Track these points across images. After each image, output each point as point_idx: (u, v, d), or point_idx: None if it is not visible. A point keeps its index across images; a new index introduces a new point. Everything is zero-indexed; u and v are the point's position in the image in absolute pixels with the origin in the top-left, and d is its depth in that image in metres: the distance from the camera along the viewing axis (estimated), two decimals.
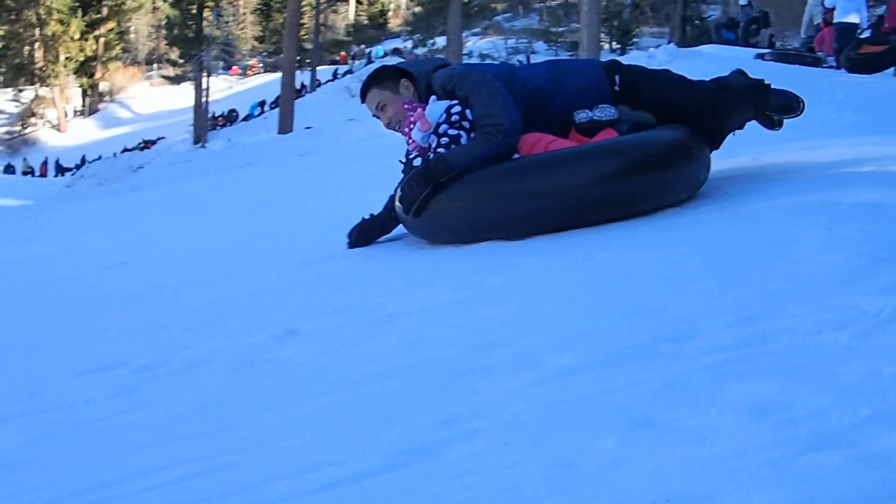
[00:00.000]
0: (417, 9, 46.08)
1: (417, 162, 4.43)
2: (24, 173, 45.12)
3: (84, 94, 67.57)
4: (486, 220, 4.27)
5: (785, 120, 4.90)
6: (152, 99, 67.37)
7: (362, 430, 2.34)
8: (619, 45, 42.81)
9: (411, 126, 4.47)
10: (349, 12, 75.85)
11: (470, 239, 4.34)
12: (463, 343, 2.92)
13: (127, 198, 14.59)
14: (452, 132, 4.38)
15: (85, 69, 64.89)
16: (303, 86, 47.85)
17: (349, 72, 51.95)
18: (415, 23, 45.80)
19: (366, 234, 4.95)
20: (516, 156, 4.41)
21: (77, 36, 61.29)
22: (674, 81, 4.70)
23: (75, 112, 67.22)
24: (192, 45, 47.08)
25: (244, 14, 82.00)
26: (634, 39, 43.54)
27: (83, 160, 40.69)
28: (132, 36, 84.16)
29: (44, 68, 61.78)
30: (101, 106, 67.79)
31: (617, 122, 4.52)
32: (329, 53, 61.96)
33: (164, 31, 60.54)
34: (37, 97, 67.09)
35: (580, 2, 20.16)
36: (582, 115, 4.49)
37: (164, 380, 3.17)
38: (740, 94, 4.73)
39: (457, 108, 4.41)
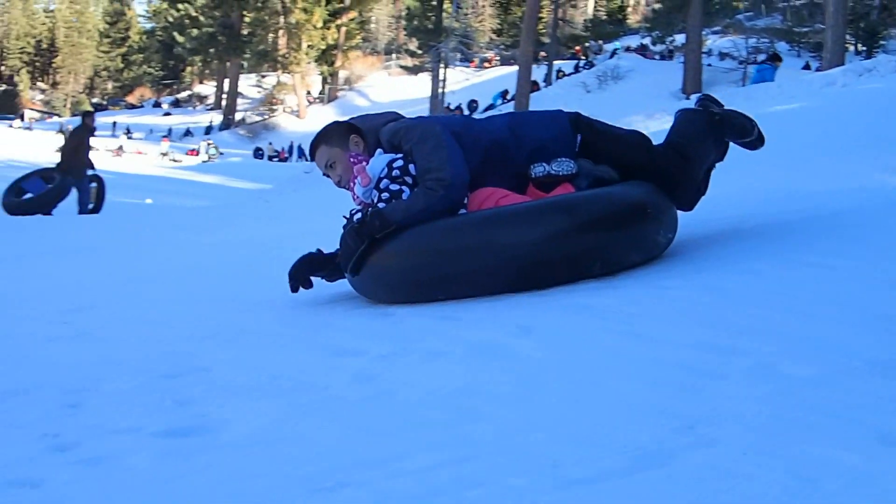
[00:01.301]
0: (657, 5, 45.56)
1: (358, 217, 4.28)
2: (271, 157, 46.82)
3: (324, 81, 69.76)
4: (424, 277, 4.12)
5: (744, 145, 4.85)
6: (389, 88, 68.85)
7: (599, 429, 2.34)
8: (864, 48, 41.14)
9: (354, 181, 4.35)
10: (588, 7, 75.63)
11: (408, 297, 4.22)
12: (702, 347, 2.90)
13: None
14: (394, 187, 4.24)
15: (326, 57, 66.93)
16: (544, 79, 47.97)
17: (590, 64, 51.78)
18: (654, 19, 45.37)
19: (303, 271, 4.70)
20: (463, 211, 4.25)
21: (320, 24, 63.17)
22: (635, 145, 4.51)
23: (314, 99, 69.42)
24: (430, 36, 47.94)
25: (483, 6, 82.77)
26: (881, 42, 41.73)
27: None
28: (372, 26, 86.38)
29: (286, 55, 63.95)
30: (339, 93, 69.82)
31: (576, 177, 4.32)
32: (566, 48, 61.93)
33: (403, 22, 61.91)
34: (279, 83, 69.72)
35: (825, 2, 19.46)
36: (538, 169, 4.32)
37: (403, 369, 3.25)
38: (699, 151, 4.58)
39: (399, 163, 4.28)
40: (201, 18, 64.82)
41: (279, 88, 70.19)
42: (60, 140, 36.88)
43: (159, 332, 4.46)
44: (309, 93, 70.36)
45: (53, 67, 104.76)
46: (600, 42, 60.13)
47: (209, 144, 50.12)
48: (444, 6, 49.84)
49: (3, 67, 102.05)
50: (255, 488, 2.32)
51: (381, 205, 4.19)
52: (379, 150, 4.37)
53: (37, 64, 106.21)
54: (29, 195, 15.90)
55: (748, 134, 4.71)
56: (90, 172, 16.43)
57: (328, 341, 3.77)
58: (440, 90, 43.67)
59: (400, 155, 4.30)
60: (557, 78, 50.20)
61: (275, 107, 68.73)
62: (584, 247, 4.02)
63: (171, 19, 69.30)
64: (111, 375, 3.70)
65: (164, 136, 57.58)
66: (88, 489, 2.51)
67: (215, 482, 2.40)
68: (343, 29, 66.73)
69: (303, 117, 64.49)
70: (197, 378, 3.49)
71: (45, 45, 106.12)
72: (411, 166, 4.24)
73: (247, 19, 64.73)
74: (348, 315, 4.28)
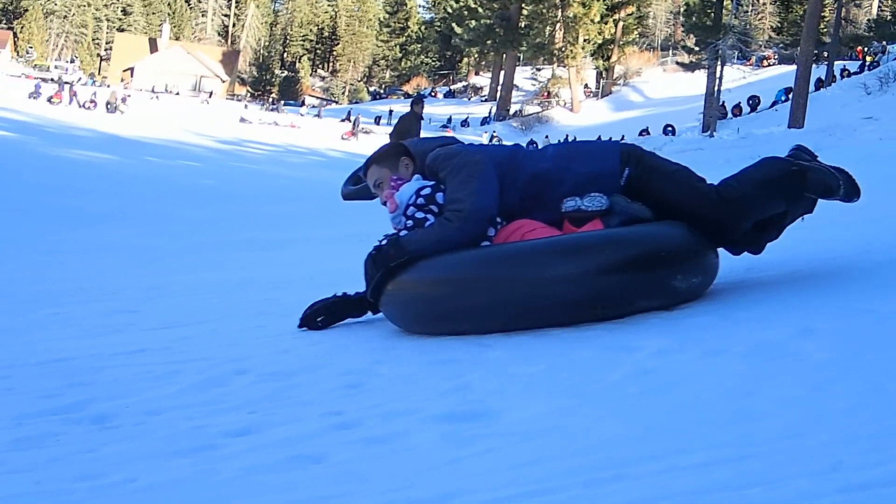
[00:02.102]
0: None
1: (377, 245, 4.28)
2: None
3: (598, 75, 69.69)
4: (430, 309, 4.10)
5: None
6: (664, 85, 68.08)
7: (884, 434, 2.27)
8: None
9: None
10: (872, 7, 72.36)
11: (419, 329, 4.19)
12: None
13: None
14: (419, 215, 4.20)
15: (601, 51, 66.87)
16: (820, 80, 46.31)
17: (876, 64, 49.57)
18: None
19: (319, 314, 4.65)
20: (486, 243, 4.18)
21: (597, 18, 63.09)
22: (679, 183, 4.29)
23: (589, 93, 69.45)
24: (709, 33, 47.02)
25: (763, 4, 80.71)
26: None
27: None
28: (650, 21, 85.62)
29: (563, 49, 64.17)
30: (614, 88, 69.59)
31: (608, 214, 4.15)
32: (847, 48, 59.50)
33: (682, 18, 61.02)
34: (553, 76, 70.07)
35: None
36: (570, 203, 4.19)
37: (681, 365, 3.22)
38: (754, 199, 4.26)
39: (426, 190, 4.24)
40: (480, 10, 65.95)
41: (554, 82, 70.57)
42: (346, 127, 38.20)
43: None
44: (587, 86, 70.42)
45: (333, 55, 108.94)
46: (884, 43, 57.37)
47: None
48: (724, 3, 48.75)
49: (286, 55, 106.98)
50: (531, 476, 2.33)
51: (404, 232, 4.19)
52: (417, 176, 4.36)
53: (318, 52, 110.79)
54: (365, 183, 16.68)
55: (833, 193, 4.31)
56: None
57: (605, 336, 3.77)
58: (716, 87, 42.74)
59: (431, 182, 4.28)
60: (842, 77, 48.26)
61: (549, 100, 69.13)
62: (581, 291, 3.90)
63: (450, 10, 70.88)
64: (388, 359, 3.83)
65: (446, 126, 58.85)
66: (370, 466, 2.59)
67: (493, 467, 2.44)
68: (620, 24, 66.51)
69: (576, 111, 64.64)
70: (472, 364, 3.56)
71: (326, 34, 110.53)
72: (439, 195, 4.23)
73: (525, 12, 65.38)
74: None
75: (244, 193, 18.03)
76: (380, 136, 41.95)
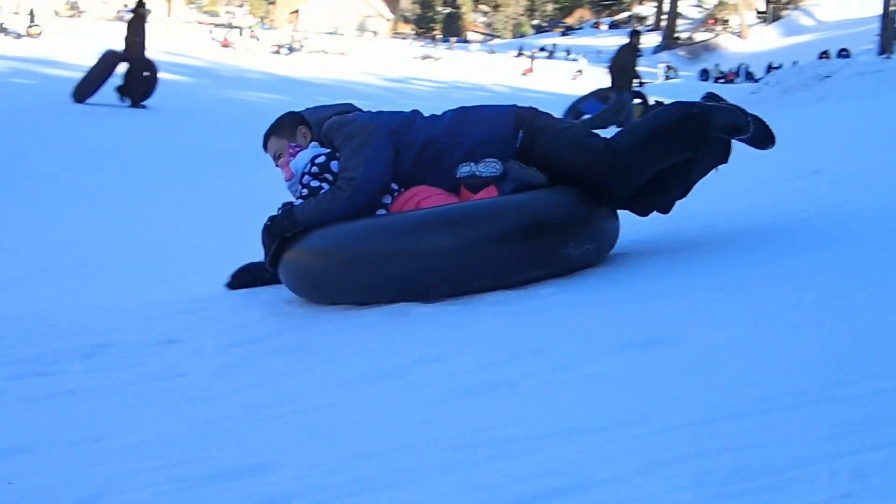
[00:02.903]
0: None
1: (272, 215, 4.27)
2: (717, 79, 46.15)
3: (767, 0, 67.54)
4: (322, 280, 4.08)
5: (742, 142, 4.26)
6: (837, 6, 65.47)
7: None
8: None
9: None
10: None
11: (312, 298, 4.17)
12: None
13: (812, 108, 14.41)
14: (314, 184, 4.18)
15: None
16: None
17: None
18: None
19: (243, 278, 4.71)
20: (382, 212, 4.17)
21: None
22: (567, 139, 4.19)
23: (758, 18, 67.44)
24: None
25: None
26: None
27: (769, 67, 40.71)
28: None
29: None
30: (783, 13, 67.39)
31: (503, 179, 4.09)
32: None
33: None
34: (720, 3, 68.27)
35: None
36: (465, 169, 4.14)
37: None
38: (652, 149, 4.14)
39: (320, 159, 4.22)
40: None
41: (720, 8, 68.73)
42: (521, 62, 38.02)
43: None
44: (760, 11, 68.40)
45: None
46: None
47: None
48: None
49: None
50: (717, 399, 2.37)
51: (298, 201, 4.19)
52: (314, 144, 4.34)
53: None
54: (587, 116, 16.86)
55: (741, 131, 4.20)
56: (635, 89, 17.13)
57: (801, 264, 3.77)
58: (891, 8, 40.95)
59: (326, 151, 4.27)
60: None
61: (715, 27, 67.41)
62: (467, 261, 3.87)
63: None
64: (571, 288, 3.90)
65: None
66: (559, 391, 2.68)
67: (685, 392, 2.49)
68: None
69: (745, 38, 62.82)
70: (657, 294, 3.63)
71: None
72: (334, 163, 4.22)
73: None
74: None
75: None
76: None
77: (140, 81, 18.21)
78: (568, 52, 59.15)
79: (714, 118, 4.16)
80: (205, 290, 4.72)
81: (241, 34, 51.10)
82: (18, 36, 37.71)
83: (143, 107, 18.13)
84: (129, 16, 18.90)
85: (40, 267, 6.43)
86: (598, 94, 17.57)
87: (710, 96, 4.43)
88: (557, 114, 5.41)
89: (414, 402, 2.78)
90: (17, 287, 5.70)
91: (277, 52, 43.72)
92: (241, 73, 29.53)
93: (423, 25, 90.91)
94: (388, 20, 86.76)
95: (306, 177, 4.19)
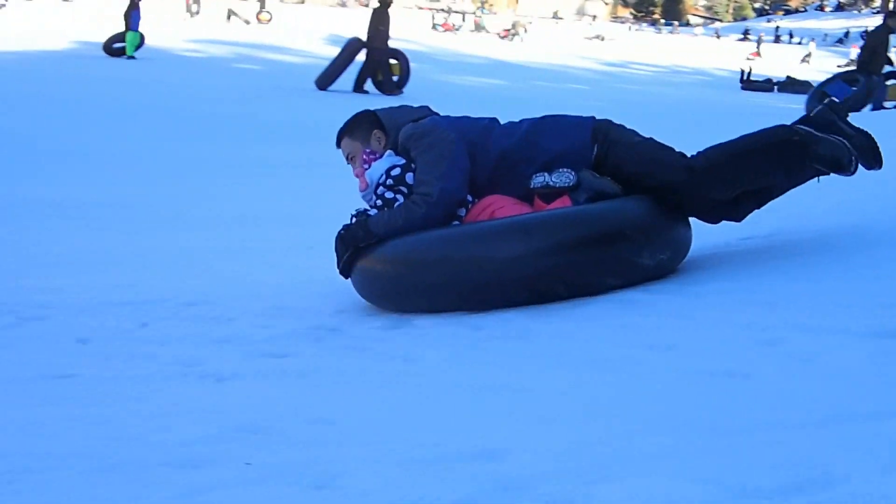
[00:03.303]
0: None
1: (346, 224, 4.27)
2: None
3: None
4: (402, 286, 4.08)
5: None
6: None
7: None
8: None
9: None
10: None
11: (390, 306, 4.18)
12: None
13: None
14: (388, 195, 4.18)
15: None
16: None
17: None
18: None
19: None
20: (456, 223, 4.19)
21: None
22: (642, 155, 4.15)
23: None
24: None
25: None
26: None
27: None
28: None
29: None
30: None
31: (576, 189, 4.09)
32: None
33: None
34: None
35: None
36: (539, 180, 4.14)
37: None
38: (718, 169, 4.06)
39: (396, 171, 4.20)
40: None
41: None
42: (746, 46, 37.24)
43: None
44: None
45: None
46: None
47: None
48: None
49: None
50: None
51: (373, 212, 4.18)
52: (389, 152, 4.31)
53: None
54: (833, 99, 16.55)
55: (843, 168, 3.97)
56: (887, 69, 16.69)
57: None
58: None
59: (402, 161, 4.24)
60: None
61: None
62: (541, 268, 3.88)
63: None
64: (804, 275, 3.81)
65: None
66: (797, 382, 2.62)
67: None
68: None
69: None
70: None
71: None
72: (409, 175, 4.20)
73: None
74: None
75: (629, 113, 18.06)
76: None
77: (386, 70, 18.35)
78: (791, 34, 57.38)
79: (815, 150, 4.01)
80: None
81: (463, 19, 51.78)
82: (247, 22, 39.27)
83: (401, 92, 18.18)
84: (374, 4, 19.08)
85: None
86: (845, 77, 17.11)
87: (830, 109, 4.18)
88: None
89: (646, 389, 2.76)
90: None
91: (506, 37, 44.16)
92: (462, 57, 29.89)
93: (642, 9, 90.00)
94: (607, 4, 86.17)
95: (381, 188, 4.20)
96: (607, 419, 2.52)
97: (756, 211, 4.27)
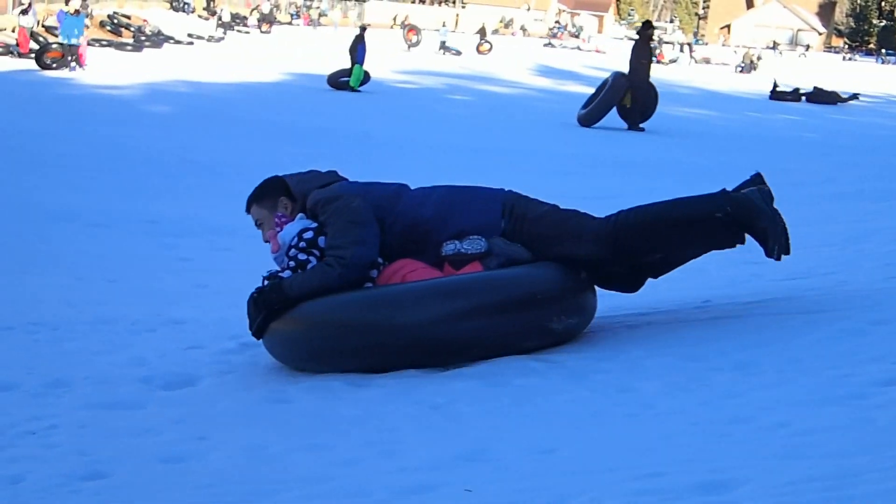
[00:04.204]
0: None
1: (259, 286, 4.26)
2: None
3: None
4: (314, 348, 4.10)
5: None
6: None
7: None
8: None
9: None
10: None
11: (302, 367, 4.17)
12: None
13: None
14: (301, 257, 4.19)
15: None
16: None
17: None
18: None
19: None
20: (368, 284, 4.20)
21: None
22: (550, 226, 4.21)
23: None
24: None
25: None
26: None
27: None
28: None
29: None
30: None
31: (487, 256, 4.13)
32: None
33: None
34: None
35: None
36: (450, 247, 4.19)
37: None
38: (652, 241, 4.17)
39: (308, 234, 4.22)
40: None
41: None
42: None
43: None
44: None
45: None
46: None
47: None
48: None
49: (884, 3, 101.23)
50: None
51: (286, 272, 4.19)
52: (300, 216, 4.35)
53: None
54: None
55: (768, 251, 4.02)
56: None
57: None
58: None
59: (314, 225, 4.26)
60: None
61: None
62: (459, 332, 3.94)
63: None
64: None
65: None
66: None
67: None
68: None
69: None
70: None
71: None
72: (321, 239, 4.22)
73: None
74: None
75: (846, 144, 17.51)
76: None
77: (641, 104, 18.10)
78: None
79: (746, 220, 4.04)
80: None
81: (681, 50, 51.89)
82: (458, 53, 40.28)
83: (642, 129, 18.03)
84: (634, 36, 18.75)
85: None
86: None
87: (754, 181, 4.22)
88: None
89: (878, 425, 2.66)
90: None
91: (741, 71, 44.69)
92: (671, 87, 29.66)
93: (856, 38, 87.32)
94: (821, 34, 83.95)
95: (293, 250, 4.22)
96: (835, 455, 2.44)
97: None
